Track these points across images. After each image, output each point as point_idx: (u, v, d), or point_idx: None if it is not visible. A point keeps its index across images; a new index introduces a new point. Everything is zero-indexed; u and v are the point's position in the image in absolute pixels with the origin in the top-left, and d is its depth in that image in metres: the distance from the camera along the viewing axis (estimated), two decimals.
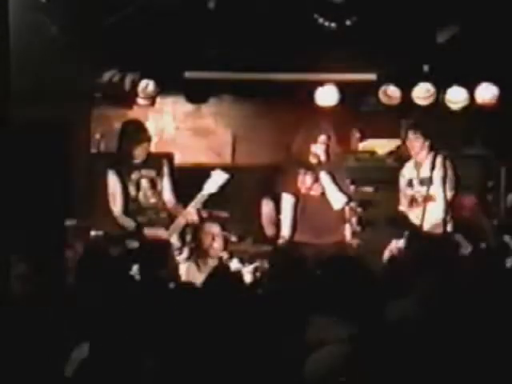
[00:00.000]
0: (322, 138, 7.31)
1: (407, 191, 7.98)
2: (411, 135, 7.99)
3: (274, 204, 7.93)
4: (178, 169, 8.36)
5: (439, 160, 7.82)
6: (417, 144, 7.94)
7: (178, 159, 9.16)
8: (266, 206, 8.37)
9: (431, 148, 7.95)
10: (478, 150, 9.35)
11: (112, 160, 7.46)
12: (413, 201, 7.89)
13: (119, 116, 9.38)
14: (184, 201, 7.49)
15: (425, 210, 7.54)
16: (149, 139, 7.36)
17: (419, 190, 7.84)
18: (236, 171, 8.70)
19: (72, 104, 8.10)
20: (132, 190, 7.27)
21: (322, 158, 7.30)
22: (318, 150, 7.29)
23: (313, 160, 7.30)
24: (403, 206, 8.03)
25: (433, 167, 7.72)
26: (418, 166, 7.98)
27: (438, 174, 7.77)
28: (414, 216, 7.79)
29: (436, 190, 7.76)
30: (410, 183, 7.98)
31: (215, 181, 7.07)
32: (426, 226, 7.53)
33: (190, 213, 7.09)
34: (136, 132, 7.33)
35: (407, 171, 8.06)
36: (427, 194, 7.66)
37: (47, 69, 7.84)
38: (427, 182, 7.73)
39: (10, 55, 6.69)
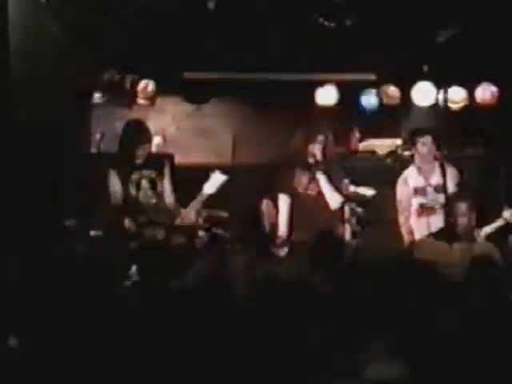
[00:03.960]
0: (320, 137, 7.31)
1: (416, 199, 7.77)
2: (421, 141, 7.74)
3: (274, 204, 7.92)
4: (178, 169, 8.36)
5: (449, 165, 7.69)
6: (427, 150, 7.72)
7: (178, 159, 9.17)
8: (266, 207, 8.37)
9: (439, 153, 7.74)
10: (478, 150, 9.36)
11: (113, 160, 7.46)
12: (425, 209, 7.68)
13: (119, 116, 9.39)
14: (184, 201, 7.50)
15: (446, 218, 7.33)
16: (150, 139, 7.37)
17: (435, 198, 7.58)
18: (236, 171, 8.72)
19: (72, 104, 8.10)
20: (132, 190, 7.27)
21: (319, 157, 7.30)
22: (315, 149, 7.30)
23: (310, 160, 7.31)
24: (407, 215, 7.78)
25: (444, 173, 7.55)
26: (425, 172, 7.72)
27: (450, 181, 7.62)
28: (427, 224, 7.59)
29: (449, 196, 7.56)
30: (421, 191, 7.73)
31: (214, 182, 7.06)
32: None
33: (189, 214, 7.07)
34: (137, 132, 7.33)
35: (412, 179, 7.74)
36: (444, 202, 7.35)
37: (47, 69, 7.84)
38: (441, 189, 7.49)
39: (10, 55, 6.71)
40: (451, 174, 7.67)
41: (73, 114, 8.16)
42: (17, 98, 7.01)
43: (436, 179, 7.62)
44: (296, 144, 7.47)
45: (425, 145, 7.69)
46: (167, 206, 7.31)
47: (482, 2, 8.13)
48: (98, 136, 9.13)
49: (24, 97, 7.24)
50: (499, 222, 7.48)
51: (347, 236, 8.13)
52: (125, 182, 7.24)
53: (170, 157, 8.54)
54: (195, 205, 7.07)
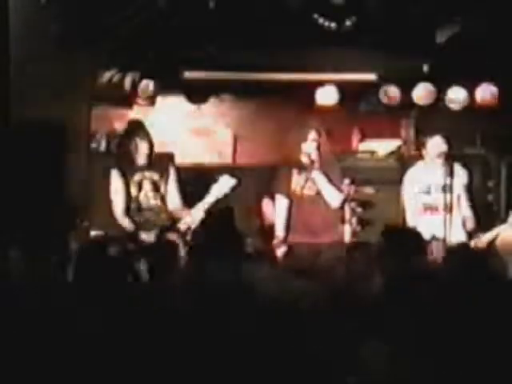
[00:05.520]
0: (312, 135, 7.29)
1: (421, 198, 7.74)
2: (430, 141, 7.69)
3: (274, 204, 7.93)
4: (178, 169, 8.36)
5: (458, 166, 7.66)
6: (436, 150, 7.68)
7: (178, 159, 9.16)
8: (267, 206, 8.39)
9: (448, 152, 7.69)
10: (478, 150, 9.35)
11: (115, 160, 7.47)
12: (429, 208, 7.65)
13: (119, 116, 9.38)
14: (184, 201, 7.50)
15: (450, 219, 7.26)
16: (150, 139, 7.36)
17: (439, 197, 7.54)
18: (236, 171, 8.70)
19: (72, 104, 8.10)
20: (133, 191, 7.27)
21: (314, 156, 7.27)
22: (309, 148, 7.28)
23: (304, 159, 7.30)
24: (411, 214, 7.74)
25: (451, 173, 7.52)
26: (431, 171, 7.70)
27: (458, 181, 7.59)
28: (429, 225, 7.54)
29: (455, 197, 7.51)
30: (426, 190, 7.70)
31: (222, 186, 7.04)
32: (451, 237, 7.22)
33: (195, 216, 7.03)
34: (137, 130, 7.34)
35: (418, 177, 7.77)
36: (450, 202, 7.35)
37: (47, 69, 7.84)
38: (448, 188, 7.40)
39: (10, 55, 6.71)
40: (459, 174, 7.64)
41: (72, 113, 8.15)
42: (16, 98, 7.01)
43: (442, 179, 7.53)
44: (290, 144, 7.48)
45: (434, 145, 7.67)
46: (172, 209, 7.28)
47: (481, 2, 8.13)
48: (98, 136, 9.14)
49: (24, 97, 7.23)
50: (502, 228, 7.42)
51: (347, 236, 8.14)
52: (126, 183, 7.24)
53: (170, 156, 8.53)
54: (201, 208, 7.03)
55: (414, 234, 5.33)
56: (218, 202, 7.10)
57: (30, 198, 7.26)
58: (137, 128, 7.40)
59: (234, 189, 7.04)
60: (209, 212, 7.03)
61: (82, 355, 4.10)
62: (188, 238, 6.94)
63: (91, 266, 5.01)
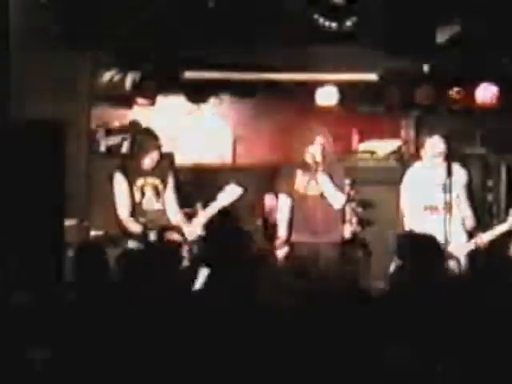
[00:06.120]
0: (318, 139, 7.36)
1: (421, 197, 7.70)
2: (429, 140, 7.68)
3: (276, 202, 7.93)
4: (178, 169, 8.36)
5: (458, 165, 7.65)
6: (435, 150, 7.65)
7: (178, 159, 9.16)
8: (270, 201, 8.43)
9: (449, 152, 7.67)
10: (478, 150, 9.35)
11: (118, 164, 7.47)
12: (429, 208, 7.64)
13: (119, 116, 9.37)
14: (184, 201, 7.49)
15: (450, 219, 7.30)
16: (159, 148, 7.36)
17: (439, 197, 7.47)
18: (236, 171, 8.72)
19: (72, 104, 8.10)
20: (137, 196, 7.27)
21: (318, 158, 7.33)
22: (314, 151, 7.33)
23: (309, 161, 7.35)
24: (410, 213, 7.72)
25: (450, 173, 7.47)
26: (431, 171, 7.61)
27: (457, 181, 7.58)
28: (429, 224, 7.50)
29: (454, 197, 7.48)
30: (426, 190, 7.67)
31: (229, 194, 7.01)
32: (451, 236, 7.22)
33: (196, 226, 6.99)
34: (146, 141, 7.33)
35: (417, 178, 7.72)
36: (450, 202, 7.32)
37: (47, 69, 7.84)
38: (447, 188, 7.36)
39: (11, 55, 6.71)
40: (458, 173, 7.63)
41: (72, 113, 8.15)
42: (16, 98, 7.01)
43: (441, 179, 7.50)
44: (295, 146, 7.53)
45: (433, 144, 7.65)
46: (171, 218, 7.25)
47: (481, 2, 8.13)
48: (98, 136, 9.13)
49: (24, 97, 7.23)
50: (503, 228, 7.39)
51: (347, 236, 8.15)
52: (130, 187, 7.24)
53: (170, 158, 8.52)
54: (205, 216, 7.00)
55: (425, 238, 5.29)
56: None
57: (30, 198, 7.25)
58: (143, 137, 7.40)
59: (226, 184, 7.01)
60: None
61: (82, 355, 4.10)
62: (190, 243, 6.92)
63: (91, 266, 5.02)
